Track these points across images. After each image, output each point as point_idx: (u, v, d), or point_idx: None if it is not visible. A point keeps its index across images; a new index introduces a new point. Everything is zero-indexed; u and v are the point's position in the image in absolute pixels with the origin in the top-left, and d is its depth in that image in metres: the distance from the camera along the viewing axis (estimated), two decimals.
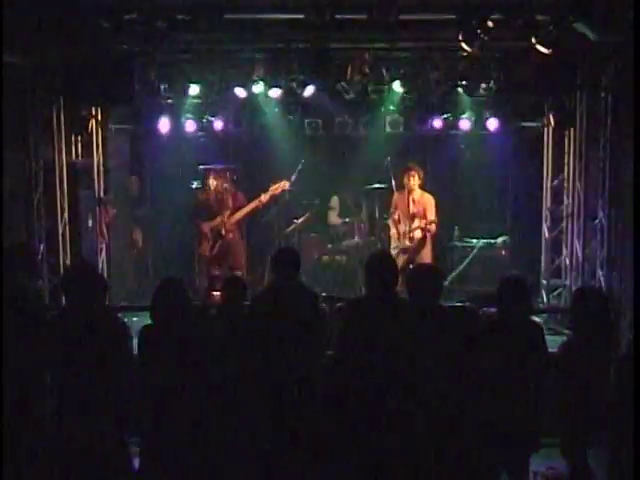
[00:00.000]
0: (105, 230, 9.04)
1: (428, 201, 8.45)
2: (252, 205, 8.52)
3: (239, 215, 8.54)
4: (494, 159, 9.78)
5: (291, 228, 9.29)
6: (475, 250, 9.39)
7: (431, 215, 8.39)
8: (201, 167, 9.43)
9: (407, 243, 8.46)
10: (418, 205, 8.45)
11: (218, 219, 8.53)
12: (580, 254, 8.32)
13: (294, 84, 8.26)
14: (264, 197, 8.49)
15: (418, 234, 8.41)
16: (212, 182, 8.63)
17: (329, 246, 9.30)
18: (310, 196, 9.42)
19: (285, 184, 8.65)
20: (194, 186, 9.42)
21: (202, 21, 6.83)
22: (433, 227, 8.36)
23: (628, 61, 6.26)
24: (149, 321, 4.56)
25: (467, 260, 9.37)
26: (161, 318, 4.49)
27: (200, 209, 8.64)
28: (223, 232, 8.49)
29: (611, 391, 4.33)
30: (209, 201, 8.59)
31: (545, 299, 9.00)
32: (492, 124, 8.84)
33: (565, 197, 8.77)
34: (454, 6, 6.86)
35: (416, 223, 8.41)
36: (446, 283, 8.91)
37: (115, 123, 9.24)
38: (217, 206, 8.54)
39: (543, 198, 9.20)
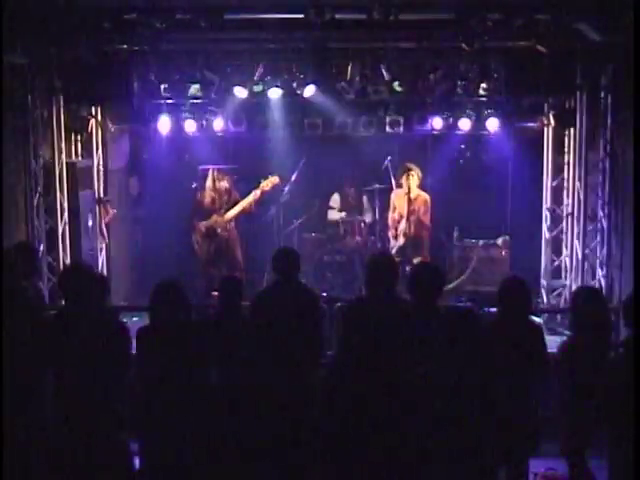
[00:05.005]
0: (105, 230, 9.04)
1: (424, 200, 8.55)
2: (244, 203, 8.50)
3: (232, 213, 8.52)
4: (494, 159, 9.77)
5: (291, 228, 9.29)
6: (476, 253, 9.35)
7: (426, 214, 8.50)
8: (201, 167, 9.43)
9: (402, 240, 8.51)
10: (415, 204, 8.50)
11: (213, 218, 8.51)
12: (580, 254, 8.31)
13: (294, 84, 8.26)
14: (255, 193, 8.48)
15: (412, 231, 8.45)
16: (211, 182, 8.61)
17: (329, 246, 9.29)
18: (310, 196, 9.41)
19: (275, 179, 8.65)
20: (194, 186, 9.41)
21: (202, 21, 6.84)
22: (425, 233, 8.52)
23: (628, 61, 6.26)
24: (148, 322, 4.56)
25: (471, 266, 9.31)
26: (159, 319, 4.49)
27: (198, 209, 8.62)
28: (218, 231, 8.47)
29: (610, 391, 4.33)
30: (207, 201, 8.57)
31: (545, 299, 8.99)
32: (492, 124, 8.81)
33: (565, 197, 8.77)
34: (454, 6, 6.86)
35: (411, 220, 8.45)
36: (450, 286, 8.95)
37: (115, 123, 9.23)
38: (214, 206, 8.52)
39: (543, 198, 9.19)
